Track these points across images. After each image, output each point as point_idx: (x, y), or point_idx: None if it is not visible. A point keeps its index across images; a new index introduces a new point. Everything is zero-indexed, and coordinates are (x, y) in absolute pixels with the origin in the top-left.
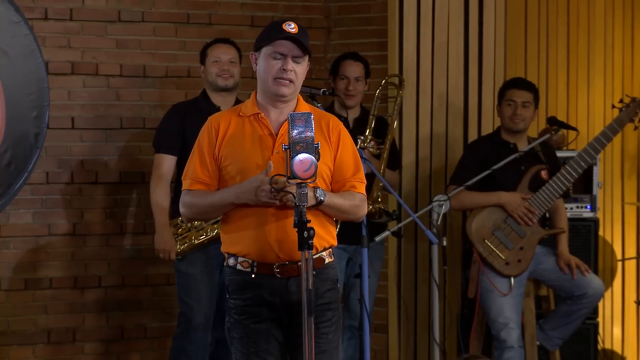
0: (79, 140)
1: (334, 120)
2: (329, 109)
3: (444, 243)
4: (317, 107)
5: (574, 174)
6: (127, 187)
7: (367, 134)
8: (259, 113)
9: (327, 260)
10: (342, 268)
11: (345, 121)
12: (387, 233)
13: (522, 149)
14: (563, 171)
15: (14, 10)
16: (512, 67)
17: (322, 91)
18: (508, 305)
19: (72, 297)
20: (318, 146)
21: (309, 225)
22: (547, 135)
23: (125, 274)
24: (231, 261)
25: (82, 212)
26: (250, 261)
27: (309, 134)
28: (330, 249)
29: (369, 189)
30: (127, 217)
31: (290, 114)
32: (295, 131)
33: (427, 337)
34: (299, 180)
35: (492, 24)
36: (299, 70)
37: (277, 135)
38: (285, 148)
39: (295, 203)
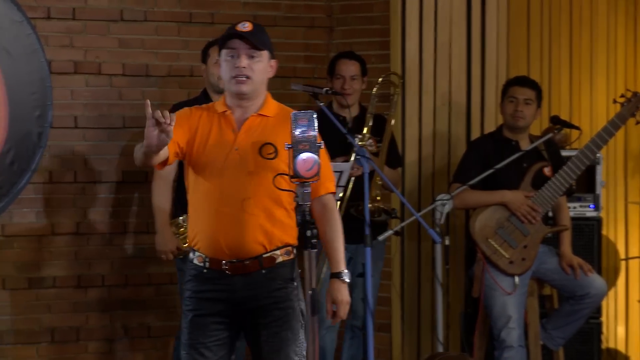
0: (82, 139)
1: None
2: (328, 108)
3: (447, 242)
4: (319, 103)
5: (576, 170)
6: (130, 186)
7: (365, 132)
8: (226, 111)
9: (279, 259)
10: None
11: (343, 121)
12: (390, 232)
13: (525, 147)
14: (566, 168)
15: (17, 9)
16: (514, 66)
17: (324, 90)
18: (511, 304)
19: (76, 296)
20: (321, 145)
21: (264, 223)
22: (550, 135)
23: (128, 273)
24: (191, 255)
25: (85, 211)
26: (203, 256)
27: (311, 133)
28: (289, 248)
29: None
30: (130, 216)
31: (293, 113)
32: (298, 130)
33: (430, 336)
34: (302, 180)
35: (495, 23)
36: (257, 67)
37: (238, 132)
38: (287, 147)
39: (298, 202)
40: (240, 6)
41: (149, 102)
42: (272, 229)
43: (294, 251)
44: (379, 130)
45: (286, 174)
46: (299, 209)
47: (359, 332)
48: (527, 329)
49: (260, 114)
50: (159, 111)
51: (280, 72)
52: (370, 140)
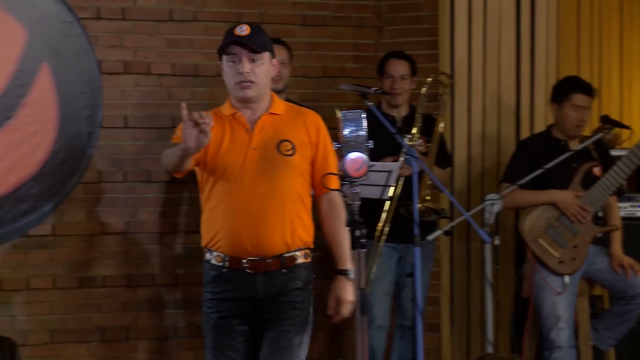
0: (132, 139)
1: (312, 117)
2: (377, 108)
3: (497, 242)
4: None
5: (626, 170)
6: (179, 185)
7: (414, 132)
8: (236, 112)
9: (299, 260)
10: (392, 267)
11: (392, 120)
12: (439, 232)
13: (574, 147)
14: (615, 168)
15: (67, 10)
16: (564, 65)
17: (373, 90)
18: (561, 304)
19: (126, 295)
20: (370, 145)
21: (287, 219)
22: (600, 134)
23: (178, 272)
24: (207, 256)
25: (135, 210)
26: (222, 255)
27: (360, 133)
28: (307, 251)
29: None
30: (179, 216)
31: (342, 113)
32: (347, 130)
33: (479, 336)
34: (351, 179)
35: (544, 21)
36: (259, 70)
37: (253, 131)
38: (336, 147)
39: (347, 203)
40: (289, 6)
41: (184, 104)
42: (295, 226)
43: (311, 255)
44: (428, 130)
45: (333, 174)
46: (348, 209)
47: (408, 332)
48: (577, 329)
49: (272, 113)
50: (195, 112)
51: (329, 71)
52: (420, 140)
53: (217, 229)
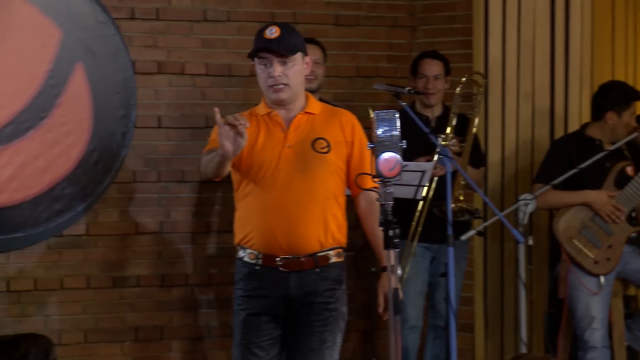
0: (165, 139)
1: (348, 116)
2: (411, 108)
3: (530, 242)
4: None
5: None
6: (212, 185)
7: (448, 132)
8: (272, 111)
9: (332, 260)
10: (425, 267)
11: (426, 120)
12: (473, 232)
13: (608, 147)
14: None
15: (101, 10)
16: (598, 65)
17: (407, 90)
18: (595, 305)
19: (159, 295)
20: (403, 145)
21: (321, 217)
22: (635, 134)
23: (211, 272)
24: (240, 253)
25: (168, 210)
26: (255, 253)
27: (394, 132)
28: (340, 250)
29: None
30: (212, 216)
31: (376, 113)
32: (381, 130)
33: (513, 336)
34: (385, 179)
35: (579, 22)
36: (291, 72)
37: (288, 130)
38: (370, 147)
39: (380, 202)
40: (323, 6)
41: (217, 109)
42: (329, 224)
43: (343, 254)
44: (462, 130)
45: (367, 174)
46: (381, 209)
47: (441, 332)
48: (611, 329)
49: (307, 112)
50: (230, 116)
51: (362, 71)
52: (454, 140)
53: (251, 227)
